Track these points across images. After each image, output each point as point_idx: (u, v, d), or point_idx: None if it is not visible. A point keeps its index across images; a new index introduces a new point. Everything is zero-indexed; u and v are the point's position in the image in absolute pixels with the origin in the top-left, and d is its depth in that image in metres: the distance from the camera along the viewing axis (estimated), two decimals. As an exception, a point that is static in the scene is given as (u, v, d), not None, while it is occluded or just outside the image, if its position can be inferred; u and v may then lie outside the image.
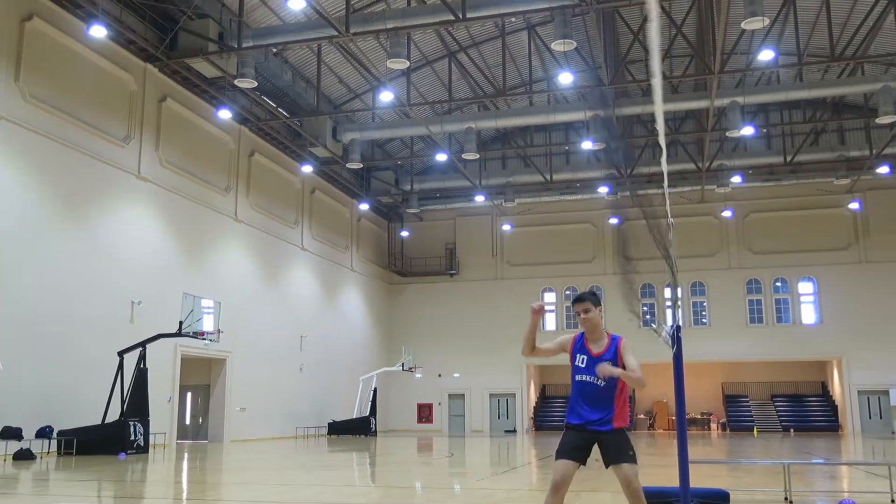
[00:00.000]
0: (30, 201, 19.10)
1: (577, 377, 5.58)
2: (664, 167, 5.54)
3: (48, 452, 18.71)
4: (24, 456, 17.39)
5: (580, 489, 10.97)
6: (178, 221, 24.44)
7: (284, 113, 28.76)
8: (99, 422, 19.30)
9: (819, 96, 30.51)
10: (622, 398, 5.27)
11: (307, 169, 31.66)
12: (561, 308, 40.40)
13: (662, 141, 5.29)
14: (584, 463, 5.21)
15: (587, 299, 5.59)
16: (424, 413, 40.70)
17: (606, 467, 5.15)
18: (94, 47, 21.22)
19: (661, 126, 5.20)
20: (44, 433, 18.46)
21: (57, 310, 19.37)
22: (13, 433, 17.53)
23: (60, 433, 18.76)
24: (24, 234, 18.83)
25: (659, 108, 5.01)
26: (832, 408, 38.47)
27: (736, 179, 35.12)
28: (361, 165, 32.28)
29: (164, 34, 23.17)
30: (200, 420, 27.95)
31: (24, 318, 18.40)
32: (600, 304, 5.59)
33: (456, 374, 40.21)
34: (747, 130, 29.41)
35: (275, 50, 25.61)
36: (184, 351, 24.23)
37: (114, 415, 19.41)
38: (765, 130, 35.87)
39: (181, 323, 21.23)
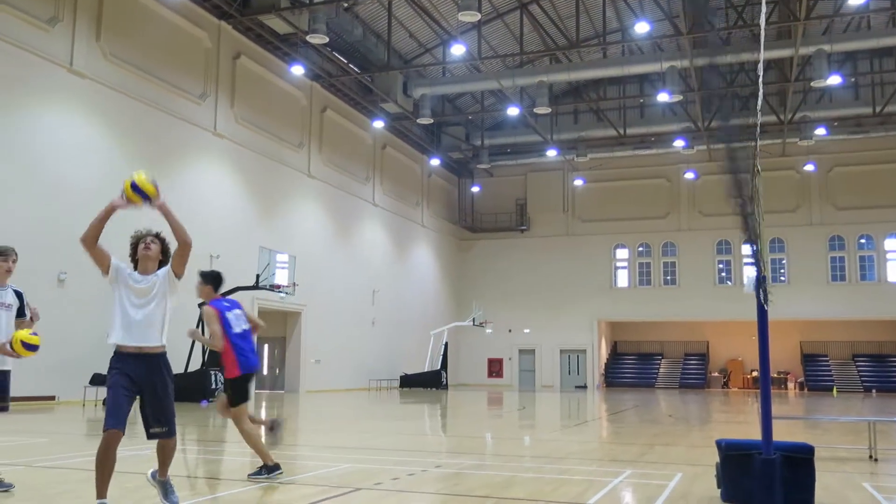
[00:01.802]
0: (113, 158, 19.69)
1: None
2: (758, 114, 5.32)
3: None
4: (112, 402, 18.21)
5: (653, 442, 10.90)
6: (252, 177, 24.88)
7: (355, 69, 28.80)
8: (182, 371, 20.03)
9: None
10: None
11: (378, 125, 31.74)
12: (634, 265, 39.83)
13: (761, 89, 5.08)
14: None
15: None
16: (495, 368, 40.95)
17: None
18: (169, 5, 21.55)
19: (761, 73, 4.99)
20: (131, 381, 19.25)
21: (140, 263, 20.03)
22: (102, 380, 18.34)
23: (146, 381, 19.52)
24: (108, 190, 19.35)
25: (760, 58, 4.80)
26: (917, 368, 37.12)
27: (820, 132, 33.72)
28: (432, 121, 32.18)
29: (238, -9, 23.35)
30: (277, 371, 28.75)
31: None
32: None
33: (526, 330, 40.23)
34: (834, 80, 28.10)
35: (346, 5, 25.56)
36: (261, 304, 24.84)
37: (196, 364, 20.11)
38: (852, 80, 34.24)
39: (258, 276, 21.76)
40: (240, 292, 21.41)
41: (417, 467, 7.82)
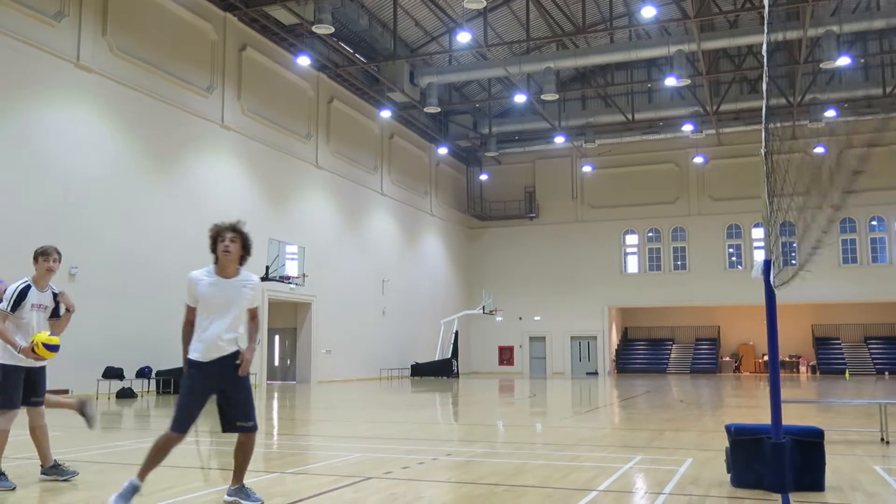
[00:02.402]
0: (120, 152, 19.77)
1: None
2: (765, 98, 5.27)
3: (148, 391, 19.68)
4: (126, 394, 18.36)
5: (664, 427, 10.91)
6: (260, 169, 24.93)
7: (362, 58, 28.75)
8: (179, 365, 20.13)
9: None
10: None
11: (385, 114, 31.71)
12: (643, 250, 39.75)
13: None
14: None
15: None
16: (505, 355, 41.00)
17: None
18: (175, -2, 21.56)
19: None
20: (143, 373, 19.42)
21: (150, 257, 20.14)
22: (115, 373, 18.49)
23: (158, 373, 19.70)
24: (117, 184, 19.54)
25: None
26: (931, 350, 36.95)
27: (830, 114, 33.47)
28: (439, 109, 32.10)
29: (242, -18, 23.33)
30: (288, 362, 28.88)
31: (120, 266, 19.20)
32: None
33: (537, 317, 40.24)
34: (843, 61, 27.84)
35: (351, -6, 25.47)
36: (271, 295, 24.92)
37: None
38: (862, 61, 33.94)
39: (267, 268, 21.84)
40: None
41: (428, 456, 7.86)
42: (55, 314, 6.29)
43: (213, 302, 4.99)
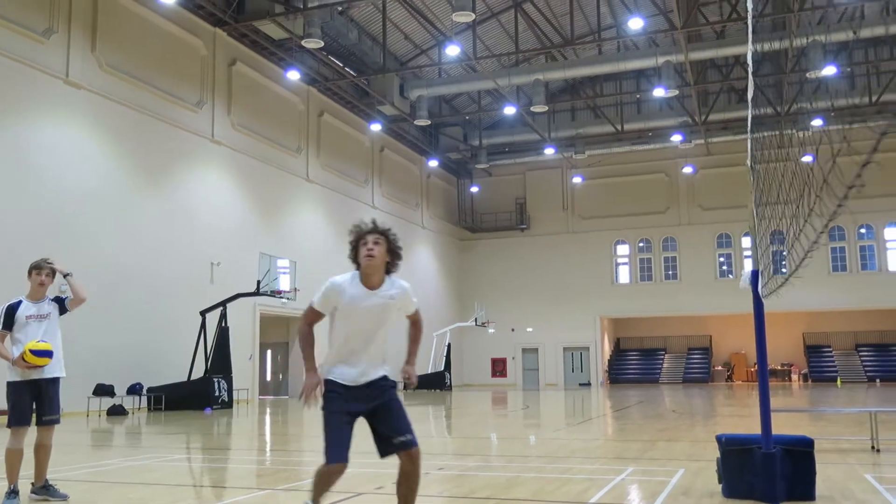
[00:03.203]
0: (110, 168, 19.74)
1: None
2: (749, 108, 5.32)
3: (139, 408, 19.57)
4: (116, 412, 18.26)
5: (656, 438, 10.92)
6: (251, 183, 24.92)
7: (351, 72, 28.82)
8: (185, 379, 20.07)
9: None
10: None
11: (376, 127, 31.76)
12: (635, 260, 39.85)
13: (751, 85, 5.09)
14: None
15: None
16: (498, 367, 40.96)
17: None
18: (164, 14, 21.59)
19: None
20: (134, 390, 19.31)
21: (141, 272, 20.09)
22: (106, 390, 18.38)
23: (150, 390, 19.60)
24: (107, 200, 19.49)
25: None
26: (921, 357, 37.12)
27: (817, 123, 33.70)
28: (429, 122, 32.20)
29: (232, -2, 23.41)
30: (280, 376, 28.77)
31: (111, 281, 19.13)
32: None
33: (529, 329, 40.24)
34: (829, 70, 28.10)
35: (340, 8, 25.59)
36: (262, 310, 24.86)
37: (199, 372, 20.14)
38: (848, 70, 34.23)
39: (259, 282, 21.79)
40: (241, 299, 21.47)
41: (420, 470, 7.83)
42: (63, 311, 6.32)
43: (360, 318, 4.45)
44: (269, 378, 28.89)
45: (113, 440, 12.90)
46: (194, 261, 22.11)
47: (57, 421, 6.16)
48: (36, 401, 6.06)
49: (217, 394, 20.04)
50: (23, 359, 5.89)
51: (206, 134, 23.09)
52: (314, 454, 10.19)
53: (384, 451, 4.44)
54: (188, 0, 22.06)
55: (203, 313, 20.50)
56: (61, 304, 6.32)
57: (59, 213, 18.05)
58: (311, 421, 16.77)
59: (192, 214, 22.30)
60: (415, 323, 4.81)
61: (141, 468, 8.33)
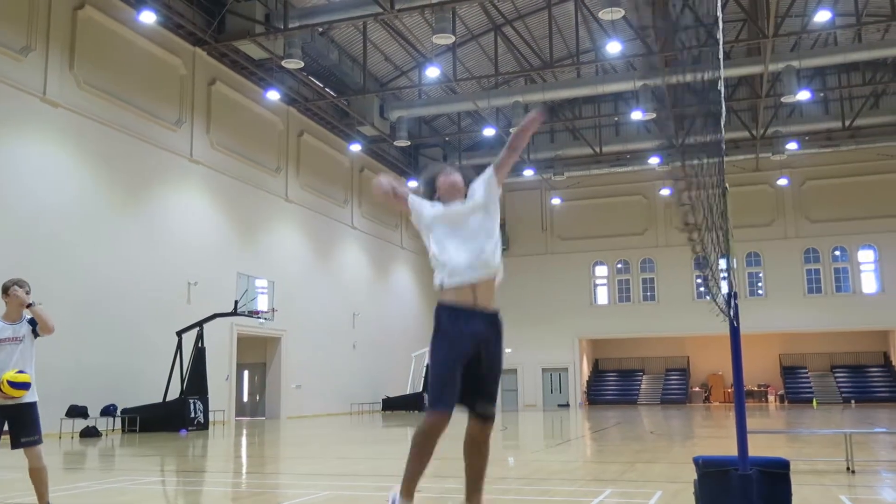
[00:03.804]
0: (87, 187, 19.58)
1: None
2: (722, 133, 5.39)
3: (113, 430, 19.30)
4: (90, 433, 17.98)
5: (634, 460, 10.92)
6: (230, 203, 24.81)
7: (332, 92, 28.89)
8: (160, 400, 19.83)
9: (879, 57, 29.44)
10: None
11: (355, 148, 31.79)
12: (613, 281, 40.04)
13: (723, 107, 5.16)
14: None
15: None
16: (477, 388, 40.79)
17: None
18: (144, 33, 21.56)
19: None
20: (108, 411, 19.04)
21: (117, 292, 19.89)
22: (79, 411, 18.12)
23: (124, 411, 19.34)
24: (83, 219, 19.32)
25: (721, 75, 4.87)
26: (895, 378, 37.51)
27: (792, 146, 34.20)
28: (409, 143, 32.29)
29: (212, 18, 23.42)
30: (258, 397, 28.51)
31: (86, 300, 18.92)
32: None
33: (508, 350, 39.98)
34: (803, 95, 28.58)
35: (321, 29, 25.69)
36: (240, 330, 24.68)
37: (174, 393, 19.91)
38: (822, 95, 34.82)
39: (236, 302, 21.67)
40: (218, 319, 21.31)
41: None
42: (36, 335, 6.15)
43: (449, 224, 4.30)
44: (245, 399, 28.63)
45: (86, 462, 12.70)
46: (171, 280, 21.93)
47: (35, 442, 5.95)
48: (11, 425, 5.89)
49: (193, 415, 19.81)
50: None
51: (184, 153, 23.00)
52: (291, 476, 10.09)
53: (466, 403, 4.16)
54: (168, 19, 22.05)
55: (179, 333, 20.31)
56: (35, 327, 6.16)
57: (34, 232, 17.86)
58: (288, 442, 16.61)
59: (170, 234, 22.15)
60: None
61: (114, 491, 8.19)
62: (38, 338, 6.14)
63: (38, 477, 5.95)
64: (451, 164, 4.62)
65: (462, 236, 4.26)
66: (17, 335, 6.01)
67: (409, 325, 37.64)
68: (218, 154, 24.45)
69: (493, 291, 4.26)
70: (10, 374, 5.79)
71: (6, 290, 6.08)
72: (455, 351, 4.02)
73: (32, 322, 6.13)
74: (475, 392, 4.09)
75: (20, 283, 6.11)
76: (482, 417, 4.13)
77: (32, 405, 6.00)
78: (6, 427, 5.90)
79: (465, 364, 4.04)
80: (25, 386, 5.85)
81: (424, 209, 4.43)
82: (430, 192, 4.55)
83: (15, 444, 5.88)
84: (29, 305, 6.02)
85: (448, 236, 4.29)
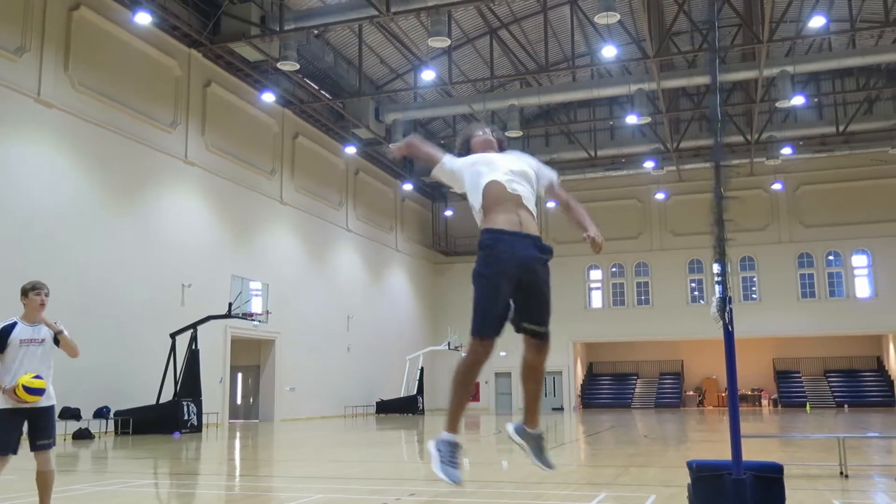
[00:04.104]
0: (81, 188, 19.52)
1: None
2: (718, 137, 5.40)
3: (105, 432, 19.23)
4: (82, 435, 17.92)
5: (629, 464, 10.92)
6: (224, 205, 24.77)
7: (327, 95, 28.87)
8: (154, 402, 19.77)
9: (873, 63, 29.60)
10: None
11: (350, 150, 31.77)
12: (607, 285, 40.08)
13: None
14: None
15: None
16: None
17: None
18: (139, 34, 21.52)
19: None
20: (101, 413, 18.98)
21: (110, 293, 19.83)
22: (72, 413, 18.04)
23: (117, 413, 19.27)
24: (78, 220, 19.26)
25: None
26: (888, 382, 37.59)
27: (786, 151, 34.29)
28: (404, 146, 32.24)
29: (207, 19, 23.39)
30: (251, 400, 28.45)
31: (80, 302, 18.85)
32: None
33: (502, 353, 39.81)
34: (798, 100, 28.64)
35: (316, 32, 25.68)
36: (234, 332, 24.63)
37: (168, 395, 19.86)
38: (816, 100, 34.94)
39: (230, 305, 21.60)
40: (212, 321, 21.26)
41: (391, 496, 7.78)
42: (56, 342, 6.11)
43: (492, 162, 4.17)
44: (239, 402, 28.55)
45: (78, 465, 12.65)
46: (165, 282, 21.88)
47: (49, 445, 5.92)
48: (29, 427, 5.85)
49: (186, 417, 19.76)
50: (14, 391, 5.70)
51: (179, 155, 22.95)
52: (284, 479, 10.06)
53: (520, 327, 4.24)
54: (163, 21, 22.02)
55: (173, 335, 20.26)
56: (54, 335, 6.12)
57: (28, 233, 17.79)
58: (282, 445, 16.57)
59: (164, 235, 22.10)
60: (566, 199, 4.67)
61: (107, 494, 8.17)
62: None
63: (44, 480, 5.90)
64: (484, 124, 4.57)
65: (523, 177, 4.21)
66: (37, 337, 5.96)
67: (404, 329, 37.62)
68: (213, 156, 24.41)
69: (535, 221, 4.23)
70: (26, 379, 5.73)
71: (25, 293, 6.00)
72: (501, 275, 3.94)
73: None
74: (527, 311, 4.12)
75: (39, 287, 6.03)
76: (538, 336, 4.22)
77: (50, 409, 6.00)
78: (25, 429, 5.89)
79: (513, 287, 4.00)
80: (40, 392, 5.79)
81: (463, 159, 4.37)
82: (465, 151, 4.51)
83: (32, 447, 5.85)
84: (59, 333, 6.08)
85: (493, 169, 4.16)
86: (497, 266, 3.94)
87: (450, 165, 4.31)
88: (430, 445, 4.03)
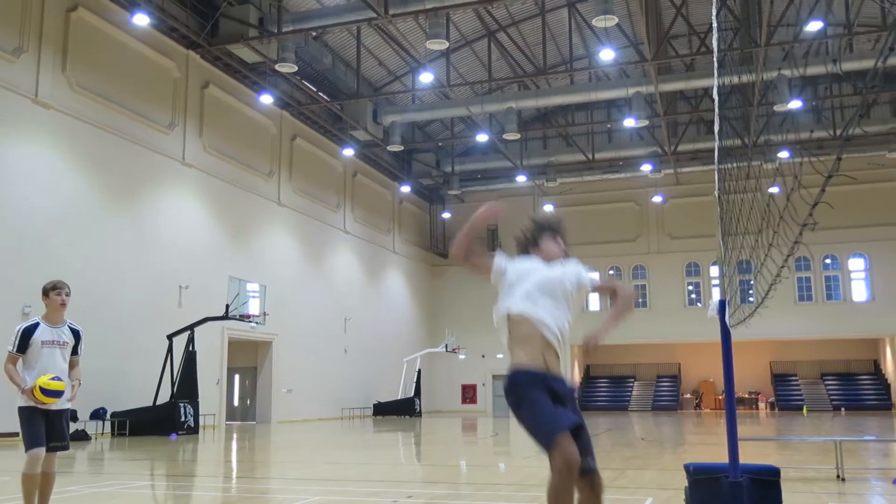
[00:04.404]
0: (79, 189, 19.51)
1: None
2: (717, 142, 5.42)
3: (102, 433, 19.20)
4: (79, 437, 17.87)
5: (625, 466, 10.93)
6: (222, 206, 24.76)
7: (325, 97, 28.87)
8: (150, 404, 19.75)
9: (870, 67, 29.60)
10: None
11: (348, 152, 31.78)
12: (604, 288, 40.06)
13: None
14: None
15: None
16: (468, 394, 40.82)
17: None
18: (137, 35, 21.51)
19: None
20: (98, 415, 18.96)
21: (108, 295, 19.80)
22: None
23: (114, 415, 19.25)
24: (75, 221, 19.24)
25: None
26: (885, 386, 37.65)
27: (784, 155, 34.33)
28: (402, 148, 32.29)
29: (206, 21, 23.40)
30: (248, 402, 28.42)
31: (77, 303, 18.67)
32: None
33: (499, 355, 40.17)
34: (795, 104, 28.70)
35: (314, 34, 25.68)
36: (231, 334, 24.60)
37: (164, 397, 19.84)
38: (813, 104, 34.99)
39: (227, 306, 21.59)
40: (209, 323, 21.24)
41: (388, 498, 7.77)
42: (75, 351, 6.03)
43: (543, 283, 4.09)
44: (236, 403, 28.52)
45: (75, 466, 12.62)
46: (162, 284, 21.86)
47: (63, 448, 5.91)
48: (46, 427, 5.81)
49: (183, 419, 19.74)
50: (32, 393, 5.66)
51: (177, 156, 22.94)
52: (280, 481, 10.05)
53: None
54: (161, 22, 22.01)
55: (170, 337, 20.24)
56: (77, 340, 6.05)
57: (25, 234, 17.77)
58: (279, 447, 16.55)
59: (161, 237, 22.08)
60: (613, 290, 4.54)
61: (104, 495, 8.15)
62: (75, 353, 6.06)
63: (46, 482, 5.84)
64: (560, 230, 4.51)
65: (554, 298, 4.12)
66: (59, 339, 5.88)
67: (402, 330, 37.61)
68: (210, 157, 24.40)
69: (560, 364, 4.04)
70: (44, 381, 5.66)
71: (46, 293, 5.95)
72: (540, 392, 3.81)
73: (76, 333, 6.04)
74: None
75: (59, 286, 6.01)
76: (589, 473, 3.79)
77: (66, 412, 5.97)
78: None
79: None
80: (58, 394, 5.73)
81: (517, 262, 4.30)
82: (532, 240, 4.50)
83: (47, 448, 5.79)
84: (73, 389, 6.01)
85: (542, 293, 4.09)
86: (534, 389, 3.87)
87: (501, 263, 4.29)
88: None
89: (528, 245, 4.44)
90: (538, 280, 4.07)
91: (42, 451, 5.67)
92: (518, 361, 3.94)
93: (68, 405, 5.94)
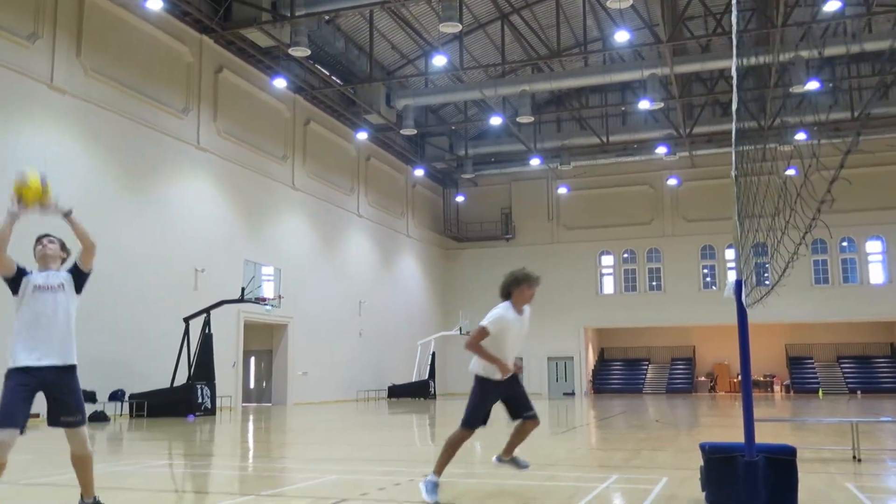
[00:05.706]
0: (95, 174, 19.63)
1: None
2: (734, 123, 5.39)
3: (121, 415, 19.42)
4: (98, 418, 18.09)
5: (640, 447, 10.95)
6: (236, 191, 24.86)
7: (338, 81, 28.85)
8: (168, 385, 19.94)
9: (889, 47, 29.22)
10: None
11: (362, 136, 31.79)
12: (619, 271, 40.01)
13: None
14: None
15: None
16: (482, 377, 40.88)
17: None
18: (150, 20, 21.55)
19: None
20: (116, 396, 19.17)
21: (125, 278, 19.95)
22: (88, 396, 18.22)
23: (132, 396, 19.46)
24: (91, 206, 19.33)
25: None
26: (901, 369, 37.45)
27: (800, 136, 34.02)
28: (416, 131, 32.25)
29: (219, 5, 23.38)
30: (264, 384, 28.65)
31: (95, 287, 18.87)
32: None
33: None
34: (812, 85, 28.40)
35: (327, 17, 25.64)
36: (246, 317, 24.76)
37: (182, 379, 20.02)
38: (830, 85, 34.61)
39: (243, 289, 21.73)
40: (225, 306, 21.38)
41: (404, 477, 7.84)
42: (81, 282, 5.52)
43: (514, 334, 6.35)
44: (252, 385, 28.76)
45: (94, 446, 12.77)
46: (178, 267, 22.01)
47: (78, 423, 4.95)
48: (49, 398, 4.94)
49: (200, 401, 19.92)
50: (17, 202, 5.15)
51: (191, 141, 23.02)
52: (298, 461, 10.15)
53: (515, 416, 6.56)
54: (174, 7, 22.04)
55: (187, 320, 20.40)
56: (77, 276, 5.43)
57: (40, 219, 17.87)
58: (295, 428, 16.69)
59: (177, 221, 22.20)
60: None
61: (123, 475, 8.26)
62: (83, 284, 5.53)
63: (81, 465, 5.02)
64: (535, 279, 6.36)
65: (516, 342, 6.49)
66: (52, 283, 5.30)
67: (415, 314, 37.72)
68: (224, 142, 24.48)
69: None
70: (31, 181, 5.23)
71: (38, 241, 5.56)
72: (490, 399, 6.48)
73: (71, 271, 5.48)
74: (518, 407, 6.54)
75: (39, 237, 5.65)
76: (531, 418, 6.53)
77: (71, 369, 5.13)
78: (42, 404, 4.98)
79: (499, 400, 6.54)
80: (40, 196, 5.31)
81: (511, 321, 6.33)
82: (514, 287, 6.35)
83: (53, 421, 4.91)
84: (66, 215, 5.55)
85: (515, 340, 6.42)
86: (488, 395, 6.54)
87: (501, 326, 6.42)
88: (426, 480, 6.15)
89: (509, 290, 6.37)
90: (514, 333, 6.43)
91: (13, 432, 4.66)
92: (488, 374, 6.46)
93: (70, 360, 5.20)
